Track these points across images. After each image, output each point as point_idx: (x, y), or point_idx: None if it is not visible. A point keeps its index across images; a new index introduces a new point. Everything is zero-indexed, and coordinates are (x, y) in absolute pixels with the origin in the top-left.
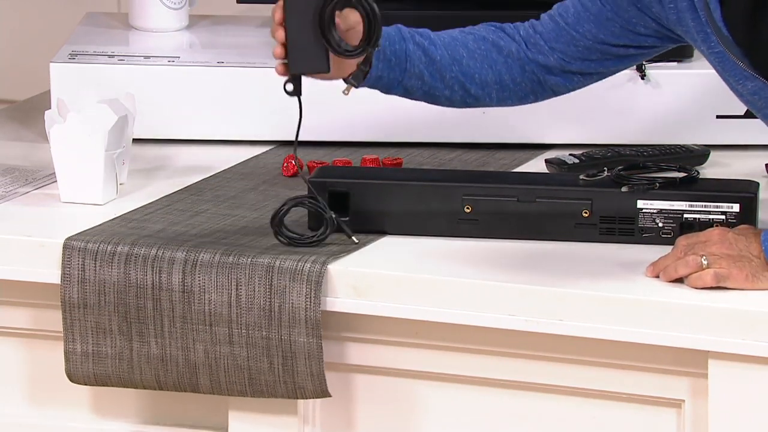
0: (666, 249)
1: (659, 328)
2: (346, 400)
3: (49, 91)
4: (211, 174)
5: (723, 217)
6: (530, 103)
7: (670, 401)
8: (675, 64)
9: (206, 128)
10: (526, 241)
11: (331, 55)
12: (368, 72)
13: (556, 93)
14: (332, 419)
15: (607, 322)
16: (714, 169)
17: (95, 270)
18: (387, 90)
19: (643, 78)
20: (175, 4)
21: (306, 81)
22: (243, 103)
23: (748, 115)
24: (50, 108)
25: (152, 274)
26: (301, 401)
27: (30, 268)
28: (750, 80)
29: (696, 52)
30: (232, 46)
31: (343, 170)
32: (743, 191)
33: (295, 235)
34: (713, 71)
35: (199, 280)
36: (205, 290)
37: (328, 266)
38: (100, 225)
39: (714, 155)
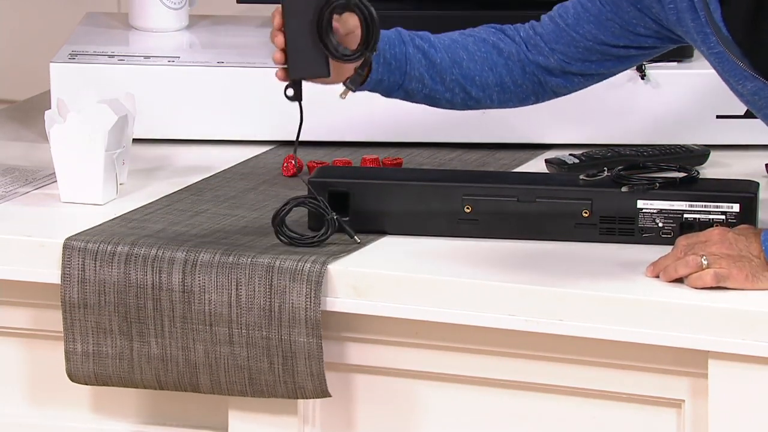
0: (666, 249)
1: (659, 328)
2: (346, 400)
3: (49, 91)
4: (211, 174)
5: (723, 217)
6: (531, 104)
7: (670, 401)
8: (675, 64)
9: (206, 128)
10: (526, 241)
11: (331, 60)
12: (366, 76)
13: (556, 94)
14: (332, 419)
15: (607, 322)
16: (714, 169)
17: (95, 270)
18: (388, 93)
19: (643, 78)
20: (175, 4)
21: (305, 83)
22: (243, 103)
23: (748, 115)
24: (50, 108)
25: (152, 274)
26: (301, 401)
27: (30, 268)
28: (750, 80)
29: (696, 52)
30: (232, 46)
31: (343, 170)
32: (743, 191)
33: (295, 236)
34: (713, 71)
35: (199, 280)
36: (205, 290)
37: (328, 266)
38: (100, 225)
39: (714, 155)
